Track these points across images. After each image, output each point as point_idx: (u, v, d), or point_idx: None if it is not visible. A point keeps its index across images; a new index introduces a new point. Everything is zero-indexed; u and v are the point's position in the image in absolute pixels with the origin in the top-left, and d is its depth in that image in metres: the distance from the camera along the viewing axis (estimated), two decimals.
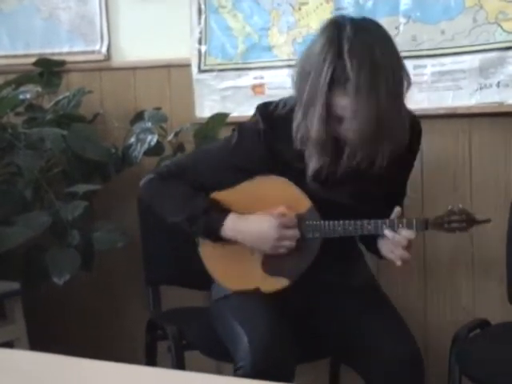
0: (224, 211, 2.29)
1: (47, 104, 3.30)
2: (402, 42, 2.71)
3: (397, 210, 2.18)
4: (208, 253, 2.40)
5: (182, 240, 2.56)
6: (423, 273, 2.83)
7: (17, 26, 3.51)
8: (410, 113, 2.23)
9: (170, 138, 3.07)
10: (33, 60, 3.35)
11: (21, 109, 3.27)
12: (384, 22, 2.71)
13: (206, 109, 3.09)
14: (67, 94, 3.26)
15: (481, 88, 2.64)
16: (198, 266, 2.52)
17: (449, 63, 2.67)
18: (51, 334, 3.41)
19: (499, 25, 2.57)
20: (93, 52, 3.37)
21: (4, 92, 3.24)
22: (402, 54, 2.69)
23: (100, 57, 3.36)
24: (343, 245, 2.29)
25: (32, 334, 3.11)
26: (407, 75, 2.17)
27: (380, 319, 2.27)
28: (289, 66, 2.90)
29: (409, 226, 2.17)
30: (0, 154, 3.07)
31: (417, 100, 2.73)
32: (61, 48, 3.43)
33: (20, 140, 3.05)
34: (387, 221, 2.18)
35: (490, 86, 2.62)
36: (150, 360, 2.76)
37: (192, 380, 1.61)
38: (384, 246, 2.24)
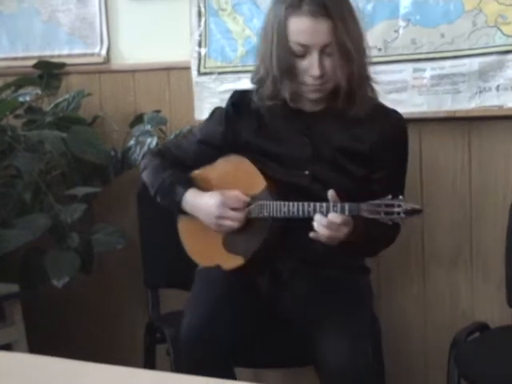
0: (186, 186, 2.38)
1: (47, 106, 3.30)
2: (401, 46, 2.72)
3: (330, 193, 2.16)
4: (184, 227, 2.49)
5: (181, 242, 2.56)
6: (422, 276, 2.83)
7: (16, 28, 3.51)
8: (370, 80, 2.31)
9: None
10: (32, 62, 3.35)
11: (20, 111, 3.27)
12: (384, 25, 2.74)
13: (205, 111, 3.08)
14: (67, 96, 3.26)
15: (480, 91, 2.64)
16: (197, 268, 2.52)
17: (448, 67, 2.67)
18: (50, 336, 3.41)
19: (499, 28, 2.57)
20: (92, 54, 3.38)
21: (3, 94, 3.24)
22: (402, 58, 2.73)
23: (100, 59, 3.36)
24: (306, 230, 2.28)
25: (31, 336, 3.11)
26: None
27: (337, 324, 2.24)
28: None
29: (341, 211, 2.16)
30: None
31: (416, 103, 2.73)
32: (60, 50, 3.43)
33: (19, 142, 3.05)
34: (324, 204, 2.17)
35: (490, 89, 2.62)
36: (149, 363, 2.76)
37: (190, 383, 1.61)
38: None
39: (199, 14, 3.09)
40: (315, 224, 2.15)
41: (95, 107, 3.35)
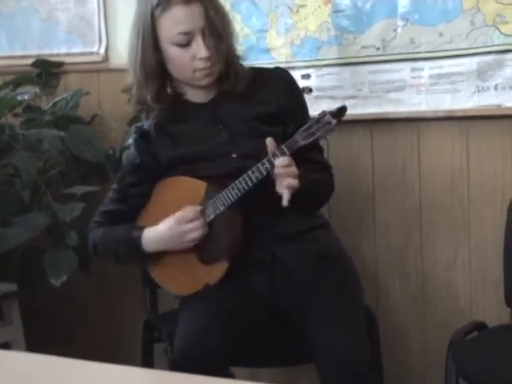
0: (139, 230, 2.37)
1: (45, 105, 3.30)
2: (399, 45, 2.72)
3: (268, 140, 2.20)
4: (156, 271, 2.46)
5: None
6: (421, 275, 2.83)
7: (15, 26, 3.50)
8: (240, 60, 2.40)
9: None
10: (31, 61, 3.35)
11: (19, 110, 3.27)
12: (382, 24, 2.74)
13: None
14: (65, 95, 3.26)
15: (479, 91, 2.64)
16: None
17: (447, 66, 2.67)
18: (48, 335, 3.41)
19: (497, 27, 2.57)
20: (91, 53, 3.37)
21: (2, 93, 3.24)
22: (400, 57, 2.73)
23: (98, 58, 3.36)
24: (267, 214, 2.30)
25: (29, 335, 3.11)
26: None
27: (330, 315, 2.25)
28: (287, 69, 2.91)
29: (282, 153, 2.19)
30: None
31: (414, 103, 2.73)
32: (59, 49, 3.43)
33: (18, 141, 3.05)
34: (265, 160, 2.20)
35: (488, 88, 2.62)
36: (147, 361, 2.76)
37: (188, 382, 1.61)
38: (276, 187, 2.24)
39: None
40: (280, 170, 2.17)
41: (93, 106, 3.34)
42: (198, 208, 2.31)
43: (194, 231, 2.30)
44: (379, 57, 2.75)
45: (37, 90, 3.31)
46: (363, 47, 2.78)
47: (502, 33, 2.56)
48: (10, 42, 3.53)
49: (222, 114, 2.38)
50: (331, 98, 2.80)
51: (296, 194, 2.22)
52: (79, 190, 2.97)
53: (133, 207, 2.44)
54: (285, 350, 2.43)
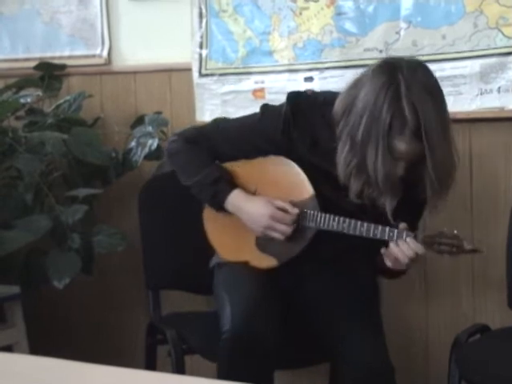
0: (231, 185, 2.36)
1: (48, 108, 3.31)
2: (402, 47, 2.72)
3: (402, 225, 2.18)
4: (210, 217, 2.47)
5: (182, 244, 2.56)
6: (424, 278, 2.83)
7: (18, 29, 3.51)
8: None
9: None
10: (33, 64, 3.35)
11: (21, 113, 3.27)
12: (385, 26, 2.74)
13: (206, 113, 3.09)
14: (68, 97, 3.26)
15: (481, 93, 2.64)
16: (198, 270, 2.52)
17: (449, 68, 2.67)
18: (51, 337, 3.41)
19: (500, 30, 2.57)
20: (93, 56, 3.38)
21: (4, 96, 3.24)
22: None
23: (101, 61, 3.36)
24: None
25: (32, 337, 3.11)
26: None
27: (358, 322, 2.27)
28: (289, 71, 2.91)
29: (407, 236, 2.17)
30: (0, 158, 3.07)
31: None
32: (61, 52, 3.43)
33: (20, 144, 3.05)
34: (396, 230, 2.17)
35: (491, 91, 2.62)
36: (150, 364, 2.76)
37: None
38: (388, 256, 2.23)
39: (200, 16, 3.09)
40: (404, 247, 2.15)
41: (96, 109, 3.35)
42: (296, 212, 2.29)
43: (281, 234, 2.30)
44: None
45: (39, 92, 3.32)
46: (366, 50, 2.78)
47: (504, 35, 2.57)
48: (12, 45, 3.53)
49: None
50: None
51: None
52: (82, 192, 2.97)
53: (230, 156, 2.40)
54: (300, 350, 2.43)
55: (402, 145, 2.11)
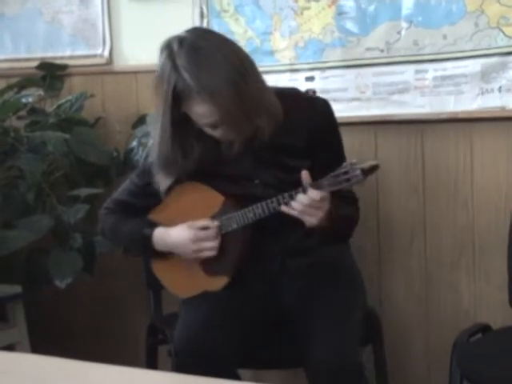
0: (152, 227, 2.40)
1: (49, 108, 3.31)
2: (403, 47, 2.72)
3: (303, 173, 2.18)
4: (159, 267, 2.52)
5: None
6: (424, 277, 2.83)
7: (19, 29, 3.51)
8: (270, 89, 2.28)
9: None
10: (35, 64, 3.35)
11: (23, 112, 3.27)
12: (386, 26, 2.74)
13: None
14: (69, 97, 3.27)
15: (482, 93, 2.64)
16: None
17: (450, 68, 2.68)
18: (53, 337, 3.41)
19: (501, 30, 2.57)
20: (95, 56, 3.38)
21: (6, 95, 3.24)
22: (404, 59, 2.73)
23: (102, 61, 3.36)
24: (279, 228, 2.32)
25: (33, 337, 3.12)
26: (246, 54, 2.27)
27: (323, 320, 2.26)
28: (291, 71, 2.92)
29: (304, 191, 2.17)
30: (2, 158, 3.08)
31: (418, 105, 2.73)
32: (63, 52, 3.43)
33: (22, 143, 3.05)
34: (286, 194, 2.19)
35: (492, 90, 2.62)
36: (151, 364, 2.76)
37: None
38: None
39: (201, 16, 3.09)
40: (296, 205, 2.17)
41: (98, 108, 3.35)
42: (216, 225, 2.33)
43: (210, 250, 2.34)
44: (383, 59, 2.76)
45: (41, 92, 3.32)
46: (367, 49, 2.78)
47: (505, 35, 2.57)
48: (14, 45, 3.53)
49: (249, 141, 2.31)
50: (335, 100, 2.80)
51: (327, 230, 2.24)
52: (83, 192, 2.97)
53: (148, 204, 2.45)
54: (285, 353, 2.43)
55: (197, 108, 2.16)
